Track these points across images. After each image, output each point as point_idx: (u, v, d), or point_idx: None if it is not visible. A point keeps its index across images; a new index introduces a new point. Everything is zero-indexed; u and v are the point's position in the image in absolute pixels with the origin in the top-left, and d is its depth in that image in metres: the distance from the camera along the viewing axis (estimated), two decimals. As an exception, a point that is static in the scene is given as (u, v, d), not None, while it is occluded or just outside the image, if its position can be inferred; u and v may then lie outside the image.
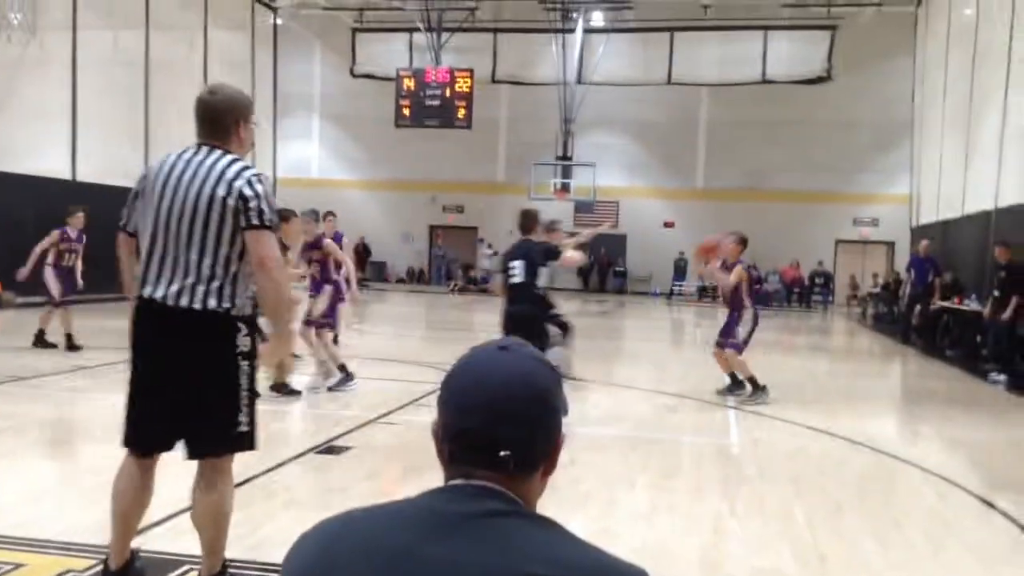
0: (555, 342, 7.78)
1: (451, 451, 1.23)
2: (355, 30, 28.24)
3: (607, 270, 30.49)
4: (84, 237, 10.98)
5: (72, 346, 10.48)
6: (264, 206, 3.24)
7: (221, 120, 3.33)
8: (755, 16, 25.38)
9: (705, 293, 28.07)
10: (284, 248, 7.86)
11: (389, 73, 26.05)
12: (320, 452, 6.09)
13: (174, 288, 3.22)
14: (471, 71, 24.56)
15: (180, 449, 3.31)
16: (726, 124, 29.06)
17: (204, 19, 22.69)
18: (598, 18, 26.87)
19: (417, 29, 26.36)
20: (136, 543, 3.57)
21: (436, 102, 24.41)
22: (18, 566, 3.71)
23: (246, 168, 3.28)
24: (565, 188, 26.79)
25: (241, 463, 5.73)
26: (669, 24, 25.89)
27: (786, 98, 26.84)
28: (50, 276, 10.72)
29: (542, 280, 7.12)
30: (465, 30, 26.45)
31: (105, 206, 18.20)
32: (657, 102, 28.70)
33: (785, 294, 28.02)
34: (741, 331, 8.98)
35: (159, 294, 3.23)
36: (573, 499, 5.12)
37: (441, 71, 24.60)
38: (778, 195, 28.60)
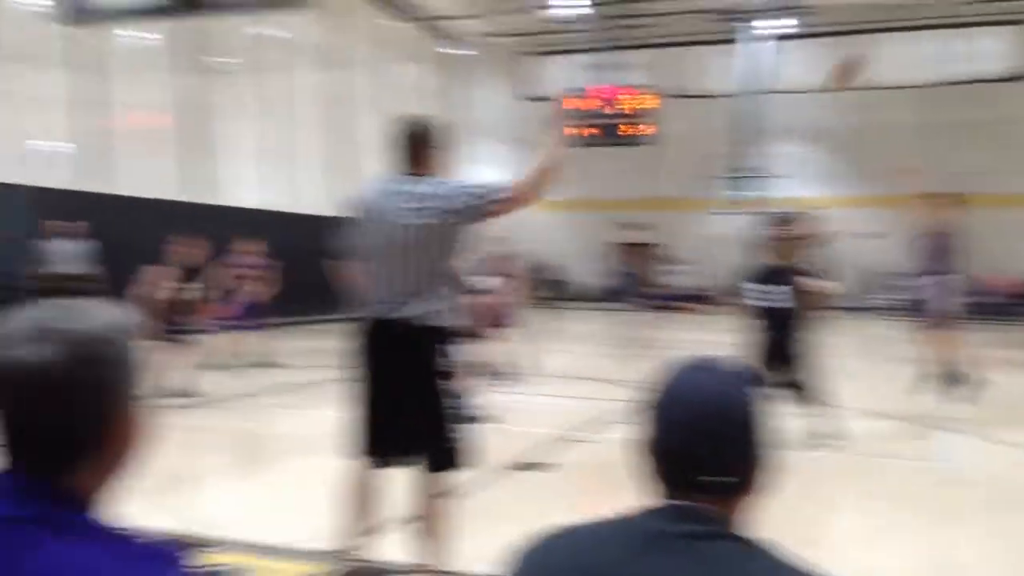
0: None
1: (656, 470, 1.24)
2: (526, 53, 28.63)
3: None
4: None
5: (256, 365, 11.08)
6: (480, 190, 3.49)
7: (422, 149, 3.54)
8: (945, 15, 23.80)
9: (902, 306, 26.38)
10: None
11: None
12: (520, 469, 6.09)
13: (407, 306, 3.41)
14: (647, 87, 24.35)
15: (407, 461, 3.43)
16: (920, 126, 27.34)
17: (380, 54, 23.85)
18: (777, 25, 26.04)
19: (590, 49, 26.42)
20: (359, 551, 3.67)
21: (610, 121, 24.33)
22: (255, 570, 3.89)
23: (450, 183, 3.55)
24: (750, 202, 26.03)
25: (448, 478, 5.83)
26: (856, 26, 24.72)
27: (983, 97, 24.95)
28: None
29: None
30: (642, 47, 26.29)
31: (318, 235, 19.39)
32: (844, 108, 27.39)
33: (996, 305, 25.91)
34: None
35: (393, 313, 3.41)
36: (786, 522, 4.85)
37: (616, 89, 24.53)
38: (986, 199, 26.57)
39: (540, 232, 30.27)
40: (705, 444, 1.19)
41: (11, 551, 0.99)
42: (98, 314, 1.09)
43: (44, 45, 15.33)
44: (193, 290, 8.78)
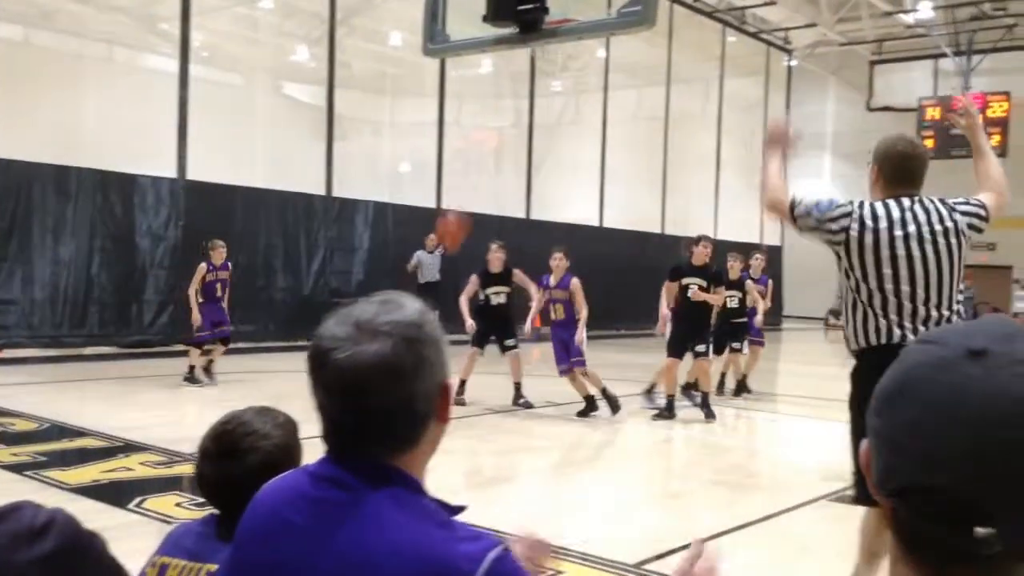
0: None
1: (905, 520, 0.79)
2: (873, 62, 27.16)
3: None
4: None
5: None
6: (980, 210, 3.57)
7: (921, 171, 3.65)
8: None
9: None
10: None
11: (909, 104, 24.53)
12: (832, 500, 5.96)
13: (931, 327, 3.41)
14: (1007, 94, 22.09)
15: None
16: None
17: (720, 70, 23.64)
18: None
19: (943, 54, 24.49)
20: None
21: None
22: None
23: (955, 200, 3.61)
24: None
25: (751, 504, 5.86)
26: None
27: None
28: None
29: None
30: (1001, 50, 23.91)
31: (627, 249, 19.77)
32: None
33: None
34: None
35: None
36: None
37: (971, 96, 22.51)
38: None
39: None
40: (983, 481, 0.73)
41: (362, 523, 1.14)
42: (405, 302, 1.22)
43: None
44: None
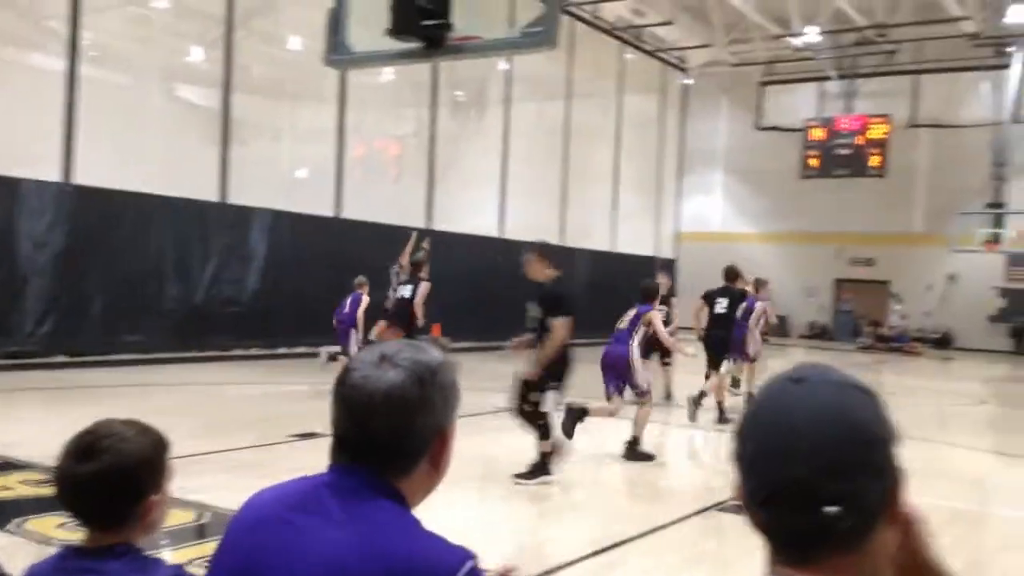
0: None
1: (764, 521, 0.98)
2: (762, 83, 28.22)
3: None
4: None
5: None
6: None
7: None
8: None
9: None
10: None
11: (796, 124, 25.64)
12: (722, 510, 6.16)
13: None
14: (887, 117, 23.31)
15: None
16: None
17: (618, 86, 24.16)
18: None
19: (828, 77, 25.65)
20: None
21: (846, 151, 23.52)
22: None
23: None
24: (995, 239, 24.19)
25: (641, 515, 6.00)
26: None
27: None
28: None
29: None
30: (881, 74, 25.22)
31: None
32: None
33: None
34: None
35: None
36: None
37: (853, 119, 23.68)
38: None
39: (760, 263, 29.57)
40: (816, 474, 0.94)
41: (353, 522, 1.26)
42: (431, 349, 1.38)
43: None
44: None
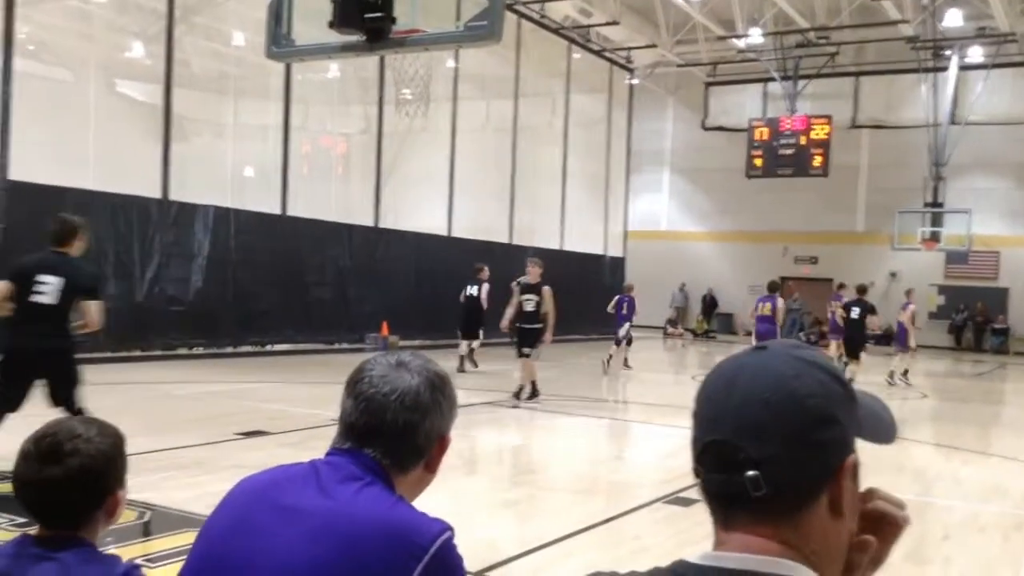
0: None
1: (700, 477, 0.97)
2: (707, 84, 28.55)
3: (984, 328, 27.51)
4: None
5: None
6: None
7: None
8: None
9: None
10: None
11: (741, 124, 25.96)
12: (668, 502, 6.20)
13: None
14: (829, 117, 23.72)
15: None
16: None
17: (566, 85, 24.23)
18: (975, 54, 24.73)
19: (772, 78, 26.04)
20: None
21: (790, 151, 23.83)
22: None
23: None
24: (934, 238, 24.79)
25: (589, 509, 6.02)
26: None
27: None
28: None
29: None
30: (823, 76, 25.68)
31: (474, 259, 20.03)
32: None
33: None
34: None
35: None
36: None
37: (796, 119, 24.01)
38: None
39: (707, 262, 29.92)
40: (743, 437, 0.93)
41: (350, 492, 1.40)
42: (439, 364, 1.58)
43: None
44: None
